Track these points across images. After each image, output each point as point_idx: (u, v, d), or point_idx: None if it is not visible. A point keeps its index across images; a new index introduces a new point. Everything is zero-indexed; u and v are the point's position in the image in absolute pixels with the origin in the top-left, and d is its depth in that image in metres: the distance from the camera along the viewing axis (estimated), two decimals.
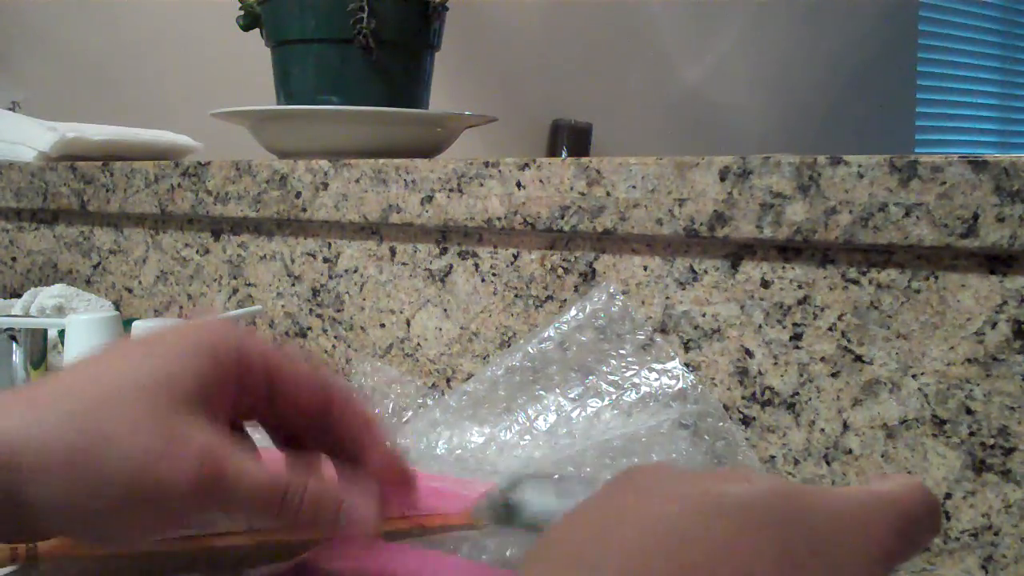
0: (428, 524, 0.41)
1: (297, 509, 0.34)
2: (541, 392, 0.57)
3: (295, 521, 0.34)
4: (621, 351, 0.57)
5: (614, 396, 0.56)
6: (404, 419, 0.63)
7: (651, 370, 0.56)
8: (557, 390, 0.57)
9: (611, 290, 0.58)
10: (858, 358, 0.52)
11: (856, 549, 0.25)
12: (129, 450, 0.31)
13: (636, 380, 0.56)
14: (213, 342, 0.35)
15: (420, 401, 0.65)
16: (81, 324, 0.62)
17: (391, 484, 0.38)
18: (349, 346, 0.72)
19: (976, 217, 0.46)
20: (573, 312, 0.59)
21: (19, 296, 0.82)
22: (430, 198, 0.64)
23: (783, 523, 0.24)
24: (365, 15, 0.78)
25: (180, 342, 0.35)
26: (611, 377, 0.56)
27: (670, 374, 0.55)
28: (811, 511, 0.25)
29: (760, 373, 0.55)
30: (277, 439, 0.39)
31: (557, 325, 0.59)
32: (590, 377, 0.57)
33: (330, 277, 0.72)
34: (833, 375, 0.53)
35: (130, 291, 0.86)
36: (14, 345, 0.67)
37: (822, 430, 0.53)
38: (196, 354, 0.34)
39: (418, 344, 0.68)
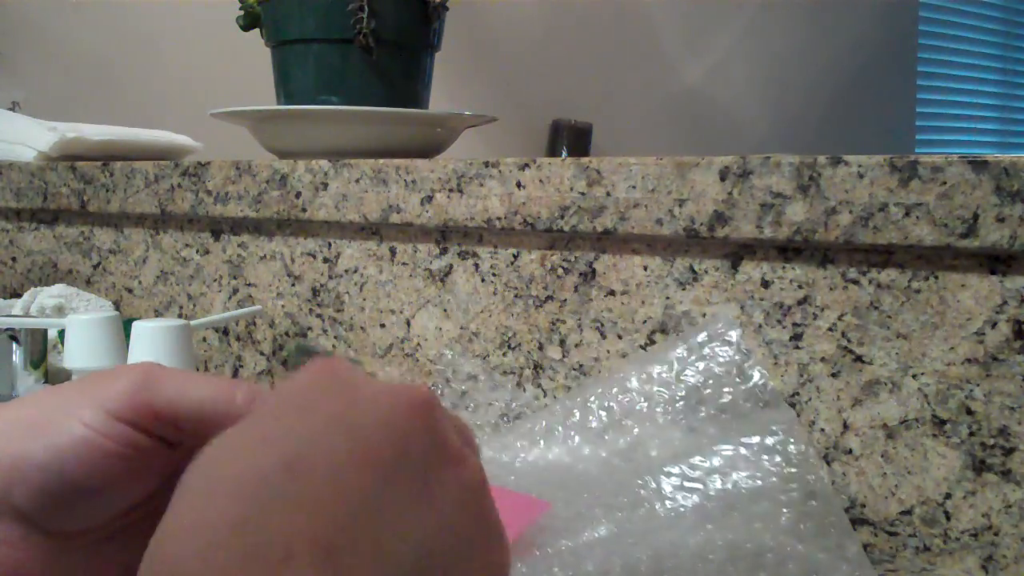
0: None
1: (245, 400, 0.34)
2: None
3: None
4: (723, 416, 0.52)
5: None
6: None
7: (746, 446, 0.49)
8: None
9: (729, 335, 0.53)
10: (858, 358, 0.52)
11: None
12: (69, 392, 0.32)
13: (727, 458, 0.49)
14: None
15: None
16: (81, 324, 0.62)
17: None
18: (349, 346, 0.72)
19: (976, 217, 0.46)
20: (678, 352, 0.55)
21: (19, 296, 0.82)
22: (430, 198, 0.64)
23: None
24: (365, 15, 0.78)
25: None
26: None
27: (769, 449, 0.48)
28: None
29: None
30: None
31: (662, 365, 0.55)
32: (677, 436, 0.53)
33: (330, 277, 0.72)
34: (833, 375, 0.53)
35: (130, 291, 0.86)
36: (14, 345, 0.67)
37: (822, 430, 0.53)
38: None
39: (418, 344, 0.68)
